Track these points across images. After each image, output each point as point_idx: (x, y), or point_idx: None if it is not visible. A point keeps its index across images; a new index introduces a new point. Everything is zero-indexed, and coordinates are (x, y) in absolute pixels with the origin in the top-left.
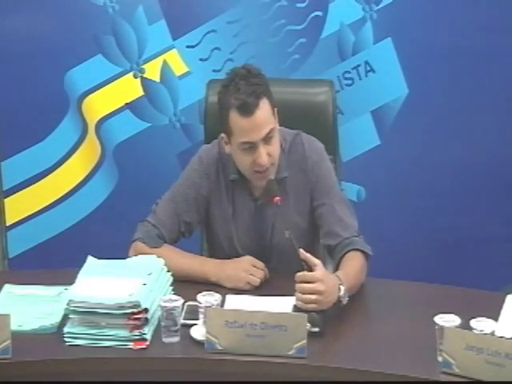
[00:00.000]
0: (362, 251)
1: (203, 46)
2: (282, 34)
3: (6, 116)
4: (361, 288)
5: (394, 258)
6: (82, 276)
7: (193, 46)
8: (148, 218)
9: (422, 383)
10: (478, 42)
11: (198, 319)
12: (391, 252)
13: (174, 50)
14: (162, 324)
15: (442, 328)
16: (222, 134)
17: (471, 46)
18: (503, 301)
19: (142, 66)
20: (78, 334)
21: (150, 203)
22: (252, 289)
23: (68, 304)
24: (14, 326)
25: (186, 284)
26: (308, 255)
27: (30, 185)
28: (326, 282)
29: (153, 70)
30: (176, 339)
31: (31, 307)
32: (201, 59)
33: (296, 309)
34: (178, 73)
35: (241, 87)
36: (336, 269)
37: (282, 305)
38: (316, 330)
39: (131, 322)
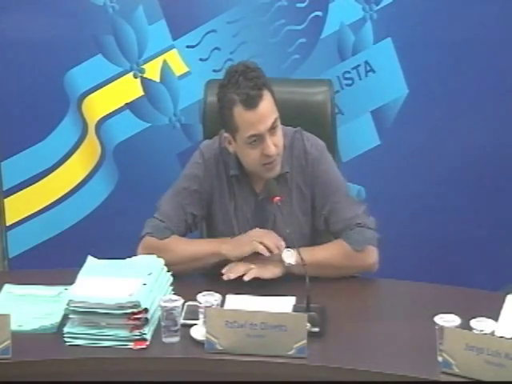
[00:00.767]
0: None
1: (203, 45)
2: (281, 34)
3: (6, 116)
4: (361, 288)
5: (394, 258)
6: (82, 276)
7: (193, 46)
8: (154, 215)
9: (422, 383)
10: (478, 41)
11: (197, 319)
12: (391, 252)
13: (174, 50)
14: (162, 324)
15: (442, 328)
16: (225, 134)
17: (471, 45)
18: (503, 301)
19: (142, 66)
20: (77, 334)
21: (150, 203)
22: (263, 251)
23: (68, 304)
24: (14, 326)
25: (186, 284)
26: None
27: (30, 185)
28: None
29: (153, 70)
30: (176, 339)
31: (31, 307)
32: (201, 59)
33: (296, 309)
34: (177, 73)
35: (241, 83)
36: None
37: (282, 305)
38: (316, 329)
39: (131, 321)
